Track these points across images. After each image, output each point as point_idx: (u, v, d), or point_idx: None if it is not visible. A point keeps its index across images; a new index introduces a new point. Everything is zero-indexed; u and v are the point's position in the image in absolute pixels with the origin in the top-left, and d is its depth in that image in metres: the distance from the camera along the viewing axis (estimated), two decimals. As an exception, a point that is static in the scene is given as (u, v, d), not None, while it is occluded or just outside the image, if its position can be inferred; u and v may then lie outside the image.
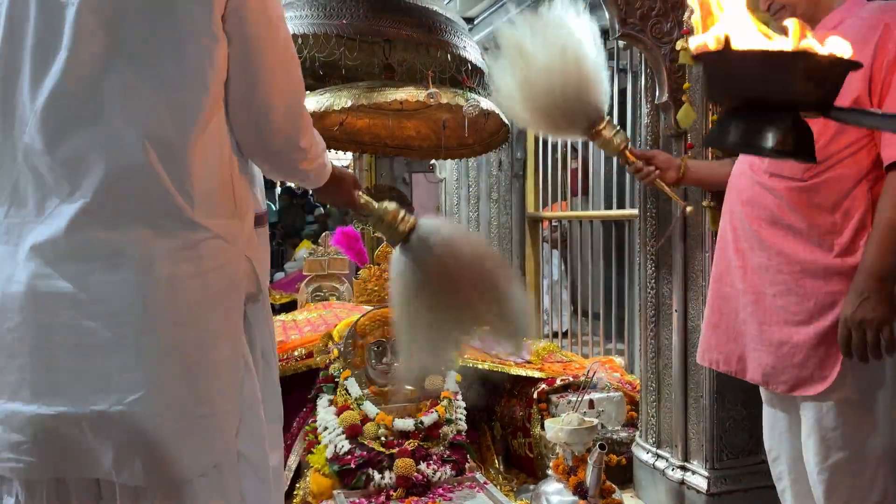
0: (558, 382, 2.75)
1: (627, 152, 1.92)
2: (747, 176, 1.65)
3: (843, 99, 1.46)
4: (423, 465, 2.35)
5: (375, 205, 1.57)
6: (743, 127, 0.79)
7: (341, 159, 7.16)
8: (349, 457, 2.34)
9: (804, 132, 0.78)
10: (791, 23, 0.78)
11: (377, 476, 2.31)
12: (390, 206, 1.57)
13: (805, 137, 0.78)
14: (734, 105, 0.81)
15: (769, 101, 0.77)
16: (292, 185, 8.04)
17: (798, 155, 0.79)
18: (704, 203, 2.17)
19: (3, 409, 1.14)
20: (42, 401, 1.12)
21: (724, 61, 0.80)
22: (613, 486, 2.14)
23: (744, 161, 1.69)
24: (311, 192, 1.64)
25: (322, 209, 8.21)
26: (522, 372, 2.83)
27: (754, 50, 0.77)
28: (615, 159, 3.55)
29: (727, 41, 0.78)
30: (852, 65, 0.76)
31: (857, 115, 0.84)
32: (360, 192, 1.58)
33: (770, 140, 0.77)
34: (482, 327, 1.60)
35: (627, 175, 3.45)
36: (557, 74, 1.82)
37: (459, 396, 2.60)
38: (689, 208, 2.09)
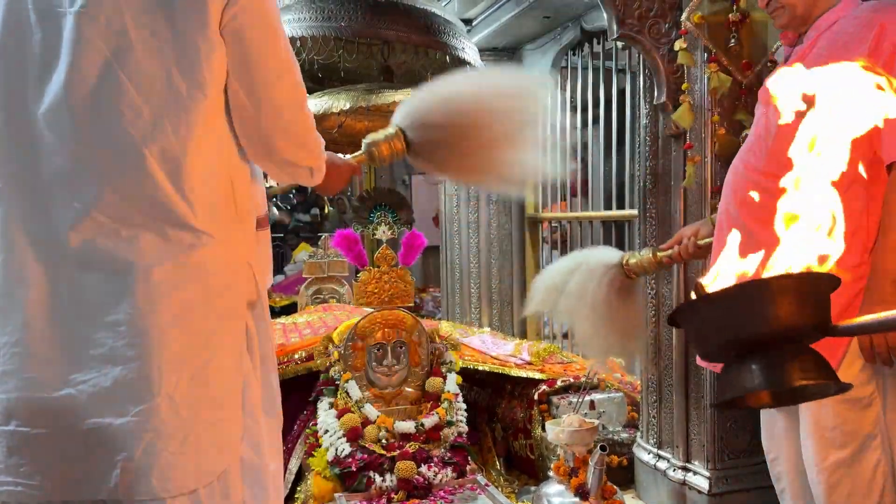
0: (559, 384, 2.75)
1: (661, 256, 1.91)
2: (742, 176, 1.64)
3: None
4: (424, 468, 2.35)
5: (362, 153, 1.68)
6: (760, 368, 0.73)
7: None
8: (350, 460, 2.34)
9: (818, 357, 0.74)
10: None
11: (378, 479, 2.31)
12: (371, 140, 1.67)
13: (822, 361, 0.74)
14: (732, 354, 0.76)
15: (765, 340, 0.72)
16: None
17: (827, 377, 0.74)
18: (713, 217, 2.17)
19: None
20: (42, 418, 1.11)
21: (698, 313, 0.76)
22: (615, 487, 2.13)
23: (740, 159, 1.69)
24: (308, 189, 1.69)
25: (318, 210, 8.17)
26: (523, 373, 2.83)
27: (723, 291, 0.73)
28: (614, 159, 3.57)
29: (699, 289, 0.75)
30: (831, 280, 0.72)
31: (863, 325, 0.80)
32: (345, 156, 1.65)
33: (795, 372, 0.72)
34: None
35: (627, 176, 3.45)
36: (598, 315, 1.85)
37: (460, 398, 2.60)
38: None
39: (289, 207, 7.45)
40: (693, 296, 0.77)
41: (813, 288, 0.72)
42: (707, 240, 1.89)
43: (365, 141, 1.69)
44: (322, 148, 1.39)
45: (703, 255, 1.94)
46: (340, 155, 1.64)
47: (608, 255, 1.89)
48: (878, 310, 1.39)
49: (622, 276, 1.84)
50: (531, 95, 1.76)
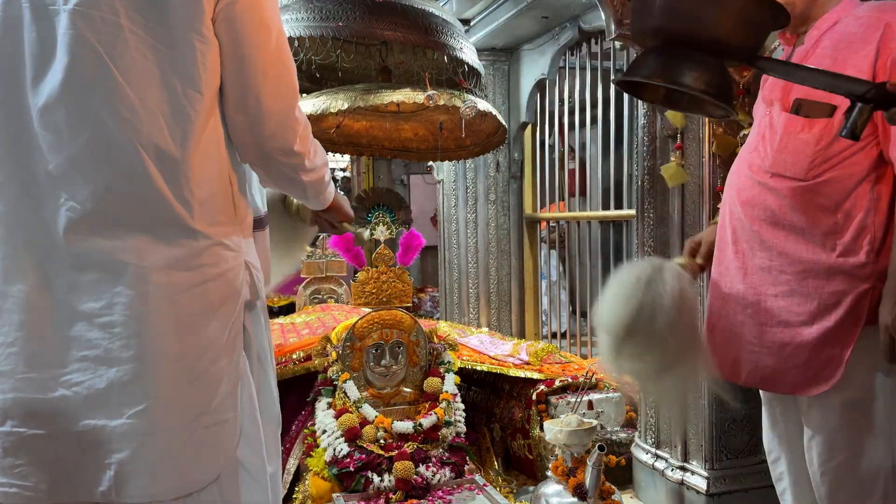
0: (557, 384, 2.75)
1: (694, 262, 1.79)
2: (746, 176, 1.64)
3: (846, 99, 1.45)
4: (422, 468, 2.35)
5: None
6: (663, 61, 0.74)
7: (339, 161, 7.16)
8: (348, 460, 2.33)
9: (725, 78, 0.74)
10: None
11: (376, 479, 2.31)
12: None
13: (725, 84, 0.75)
14: (657, 44, 0.77)
15: (694, 41, 0.72)
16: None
17: (717, 96, 0.75)
18: (719, 206, 2.17)
19: None
20: (37, 419, 1.10)
21: None
22: (613, 487, 2.13)
23: (743, 160, 1.69)
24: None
25: None
26: (521, 373, 2.83)
27: None
28: (612, 160, 3.57)
29: None
30: (779, 11, 0.72)
31: (786, 67, 0.80)
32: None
33: (689, 76, 0.73)
34: None
35: (625, 175, 3.45)
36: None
37: (458, 398, 2.60)
38: None
39: None
40: None
41: (761, 14, 0.73)
42: None
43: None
44: (320, 161, 1.37)
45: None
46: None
47: (661, 264, 1.68)
48: (893, 306, 1.39)
49: (689, 279, 1.68)
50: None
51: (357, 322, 2.57)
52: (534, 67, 3.88)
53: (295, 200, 1.78)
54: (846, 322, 1.47)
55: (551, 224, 4.37)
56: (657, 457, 2.47)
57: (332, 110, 2.40)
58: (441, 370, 2.63)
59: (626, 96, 3.28)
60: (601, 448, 2.03)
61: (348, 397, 2.48)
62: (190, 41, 1.13)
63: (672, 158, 2.23)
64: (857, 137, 0.97)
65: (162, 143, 1.13)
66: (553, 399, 2.70)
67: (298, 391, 2.63)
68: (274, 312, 4.57)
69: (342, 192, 1.62)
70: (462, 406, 2.60)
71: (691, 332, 1.64)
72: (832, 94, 1.44)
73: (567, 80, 3.79)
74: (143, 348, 1.11)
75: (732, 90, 0.73)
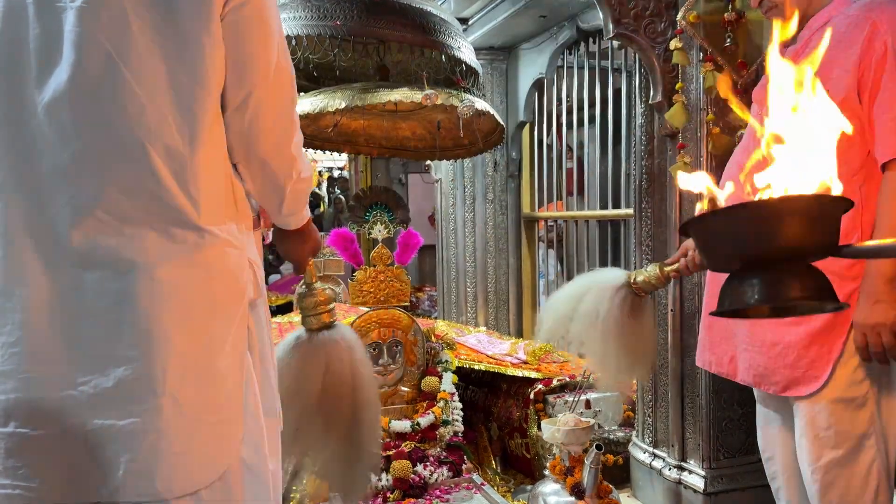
0: (555, 383, 2.75)
1: (667, 270, 1.86)
2: (736, 177, 1.64)
3: (833, 99, 1.45)
4: (419, 467, 2.35)
5: (316, 280, 1.61)
6: (762, 283, 0.75)
7: (337, 160, 7.16)
8: (346, 459, 2.33)
9: (820, 277, 0.75)
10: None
11: (374, 478, 2.31)
12: (326, 291, 1.61)
13: (824, 281, 0.75)
14: (737, 267, 0.78)
15: (775, 256, 0.74)
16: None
17: (825, 298, 0.76)
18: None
19: None
20: (41, 420, 1.09)
21: (708, 226, 0.78)
22: (610, 486, 2.13)
23: (734, 162, 1.69)
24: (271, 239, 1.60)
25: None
26: (519, 372, 2.84)
27: (734, 207, 0.74)
28: (610, 159, 3.57)
29: (711, 204, 0.76)
30: (843, 203, 0.73)
31: (874, 249, 0.81)
32: (311, 261, 1.61)
33: (794, 289, 0.73)
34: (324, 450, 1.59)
35: (622, 175, 3.45)
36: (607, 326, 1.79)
37: (456, 397, 2.60)
38: None
39: None
40: (705, 208, 0.78)
41: (823, 210, 0.74)
42: None
43: (322, 286, 1.64)
44: (307, 174, 1.35)
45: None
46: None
47: (614, 275, 1.85)
48: (874, 309, 1.40)
49: (632, 295, 1.81)
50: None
51: (355, 321, 2.57)
52: (532, 66, 3.88)
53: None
54: (834, 322, 1.48)
55: (549, 223, 4.37)
56: (655, 456, 2.47)
57: (330, 109, 2.40)
58: (439, 369, 2.63)
59: (623, 95, 3.28)
60: (599, 447, 2.03)
61: (346, 396, 2.48)
62: (198, 40, 1.13)
63: (678, 158, 2.23)
64: None
65: (170, 141, 1.12)
66: (551, 398, 2.70)
67: (296, 390, 2.63)
68: (272, 311, 4.56)
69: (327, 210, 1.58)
70: (460, 405, 2.60)
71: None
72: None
73: (565, 80, 3.79)
74: (150, 346, 1.10)
75: (829, 284, 0.75)
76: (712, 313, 0.80)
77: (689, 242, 1.89)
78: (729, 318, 1.65)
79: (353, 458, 1.59)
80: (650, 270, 1.82)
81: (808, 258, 0.75)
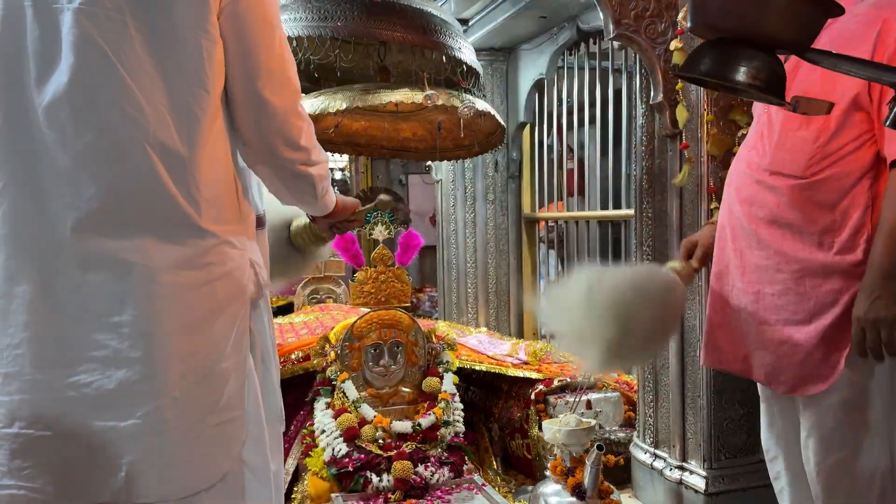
0: (556, 383, 2.75)
1: (690, 265, 1.84)
2: (745, 174, 1.64)
3: (843, 96, 1.45)
4: (420, 468, 2.35)
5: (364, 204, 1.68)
6: (716, 57, 0.78)
7: (338, 161, 7.16)
8: (347, 460, 2.34)
9: (777, 72, 0.77)
10: None
11: (375, 479, 2.31)
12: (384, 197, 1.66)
13: (778, 78, 0.77)
14: (713, 38, 0.80)
15: (746, 36, 0.75)
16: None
17: (768, 91, 0.77)
18: (712, 206, 2.18)
19: (1, 432, 1.11)
20: (45, 421, 1.09)
21: None
22: (611, 486, 2.13)
23: (741, 159, 1.69)
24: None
25: None
26: (520, 373, 2.84)
27: None
28: (610, 159, 3.57)
29: None
30: (833, 7, 0.74)
31: (833, 58, 0.83)
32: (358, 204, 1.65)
33: (741, 73, 0.76)
34: None
35: (623, 175, 3.45)
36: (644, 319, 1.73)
37: (457, 398, 2.60)
38: None
39: None
40: None
41: (811, 9, 0.75)
42: None
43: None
44: (324, 158, 1.37)
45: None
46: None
47: (655, 268, 1.82)
48: (874, 304, 1.40)
49: (679, 283, 1.79)
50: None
51: (356, 322, 2.57)
52: (532, 67, 3.88)
53: (299, 229, 1.75)
54: (843, 321, 1.47)
55: (550, 224, 4.37)
56: (656, 456, 2.47)
57: (331, 110, 2.40)
58: (440, 370, 2.63)
59: (624, 96, 3.28)
60: (600, 447, 2.03)
61: (347, 397, 2.48)
62: (196, 39, 1.13)
63: (683, 168, 2.24)
64: None
65: (169, 142, 1.12)
66: (551, 398, 2.70)
67: (297, 391, 2.63)
68: (272, 312, 4.56)
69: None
70: (461, 406, 2.60)
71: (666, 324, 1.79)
72: (830, 90, 1.45)
73: (565, 80, 3.79)
74: (152, 348, 1.10)
75: (784, 81, 0.77)
76: (673, 72, 0.82)
77: (702, 240, 1.88)
78: (736, 317, 1.65)
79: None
80: (682, 266, 1.81)
81: (776, 50, 0.76)
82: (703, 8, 0.81)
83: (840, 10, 0.76)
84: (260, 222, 1.39)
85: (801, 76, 1.52)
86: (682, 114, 2.20)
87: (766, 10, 0.74)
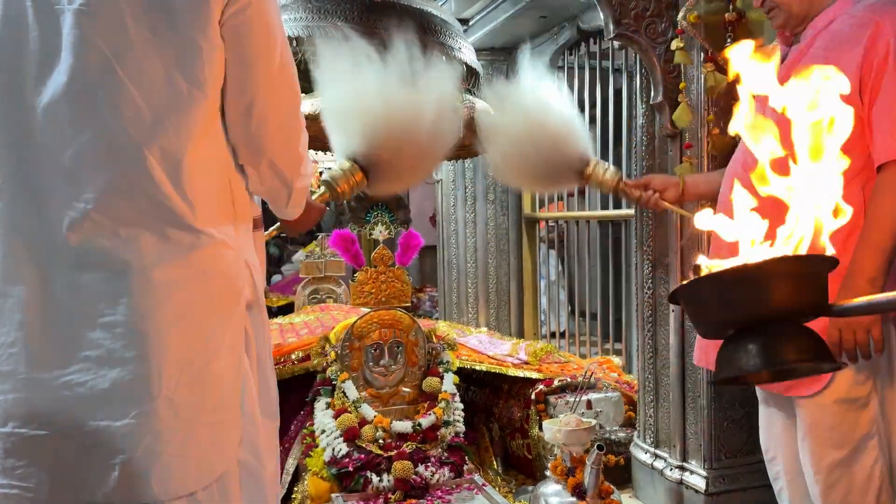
0: (556, 383, 2.75)
1: (622, 186, 1.91)
2: (740, 176, 1.64)
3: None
4: (421, 468, 2.35)
5: (328, 188, 1.69)
6: (757, 348, 0.73)
7: (337, 160, 7.15)
8: (347, 460, 2.33)
9: (814, 336, 0.74)
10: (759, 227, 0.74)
11: (375, 479, 2.31)
12: (334, 175, 1.69)
13: (819, 341, 0.74)
14: (730, 332, 0.77)
15: (765, 320, 0.73)
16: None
17: (823, 359, 0.74)
18: (681, 172, 2.17)
19: None
20: (39, 420, 1.09)
21: (697, 292, 0.76)
22: (612, 486, 2.13)
23: (737, 161, 1.69)
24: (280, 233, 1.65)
25: None
26: (520, 373, 2.83)
27: (720, 273, 0.73)
28: (611, 159, 3.57)
29: (696, 270, 0.76)
30: (829, 262, 0.72)
31: (858, 306, 0.79)
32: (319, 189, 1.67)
33: (790, 352, 0.72)
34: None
35: (623, 175, 3.45)
36: (529, 139, 1.85)
37: (457, 398, 2.60)
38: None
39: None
40: (692, 275, 0.77)
41: (809, 270, 0.73)
42: (668, 205, 1.90)
43: (323, 178, 1.70)
44: (309, 172, 1.38)
45: (659, 210, 1.98)
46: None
47: (575, 146, 1.90)
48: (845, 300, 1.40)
49: (571, 168, 1.88)
50: (445, 86, 1.80)
51: (356, 322, 2.57)
52: (532, 67, 3.87)
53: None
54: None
55: (550, 224, 4.37)
56: (656, 456, 2.47)
57: (331, 110, 2.39)
58: (440, 370, 2.63)
59: (624, 96, 3.28)
60: (600, 447, 2.03)
61: (347, 397, 2.48)
62: (195, 42, 1.13)
63: (684, 159, 2.23)
64: None
65: (165, 143, 1.13)
66: (552, 398, 2.70)
67: (297, 391, 2.63)
68: (273, 312, 4.57)
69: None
70: (461, 406, 2.60)
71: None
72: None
73: (566, 80, 3.79)
74: (146, 348, 1.11)
75: (825, 345, 0.74)
76: (713, 383, 0.79)
77: (655, 180, 1.95)
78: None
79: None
80: (609, 174, 1.86)
81: (800, 318, 0.74)
82: (705, 310, 0.77)
83: (835, 264, 0.73)
84: (257, 223, 1.39)
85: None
86: (684, 116, 2.20)
87: (769, 287, 0.71)
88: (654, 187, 1.91)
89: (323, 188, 1.70)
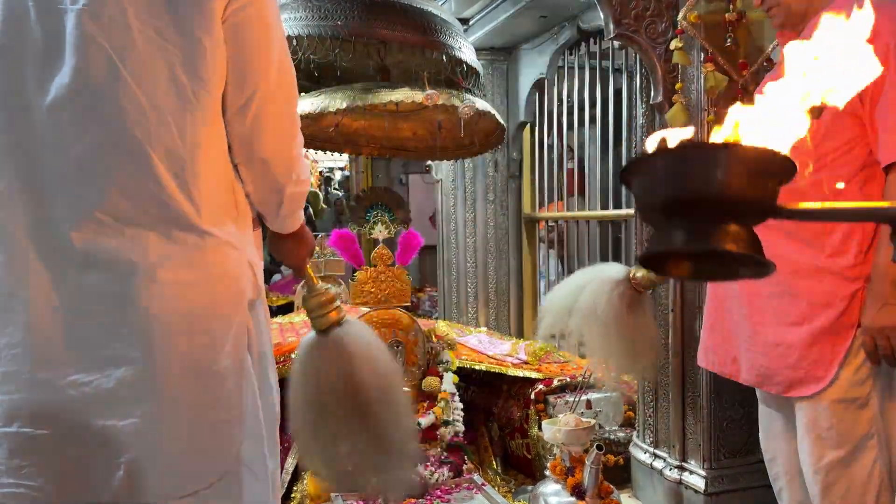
0: (555, 383, 2.75)
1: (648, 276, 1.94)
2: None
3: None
4: (420, 467, 2.35)
5: (317, 281, 1.56)
6: (691, 227, 0.73)
7: (338, 160, 7.15)
8: (346, 459, 2.33)
9: (752, 234, 0.74)
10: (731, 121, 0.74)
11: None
12: (329, 289, 1.54)
13: (756, 239, 0.74)
14: (670, 212, 0.76)
15: (709, 204, 0.72)
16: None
17: (755, 252, 0.74)
18: None
19: (0, 430, 1.11)
20: (44, 420, 1.10)
21: (651, 166, 0.75)
22: (611, 486, 2.13)
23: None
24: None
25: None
26: (520, 373, 2.83)
27: (681, 146, 0.72)
28: (611, 159, 3.57)
29: (660, 143, 0.75)
30: (787, 164, 0.72)
31: (813, 211, 0.80)
32: (309, 263, 1.56)
33: (725, 239, 0.72)
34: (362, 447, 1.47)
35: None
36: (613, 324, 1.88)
37: (457, 397, 2.60)
38: None
39: None
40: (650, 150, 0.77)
41: (771, 168, 0.72)
42: None
43: (326, 285, 1.58)
44: (305, 177, 1.35)
45: None
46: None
47: (614, 270, 1.89)
48: (882, 312, 1.40)
49: (631, 290, 1.84)
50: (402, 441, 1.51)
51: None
52: (532, 67, 3.88)
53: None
54: (836, 323, 1.48)
55: (550, 224, 4.37)
56: (655, 456, 2.47)
57: (331, 109, 2.40)
58: (439, 369, 2.63)
59: (624, 96, 3.28)
60: (599, 447, 2.03)
61: (347, 396, 2.48)
62: (199, 42, 1.13)
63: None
64: None
65: (170, 143, 1.13)
66: (551, 398, 2.70)
67: (297, 390, 2.63)
68: (272, 312, 4.56)
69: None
70: (460, 405, 2.60)
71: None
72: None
73: (566, 80, 3.79)
74: (151, 347, 1.11)
75: (757, 242, 0.74)
76: (640, 259, 0.78)
77: None
78: (729, 319, 1.66)
79: (384, 453, 1.48)
80: (641, 274, 1.84)
81: (746, 215, 0.74)
82: (653, 184, 0.77)
83: (792, 176, 0.74)
84: (257, 222, 1.39)
85: None
86: (680, 116, 2.20)
87: (724, 172, 0.71)
88: None
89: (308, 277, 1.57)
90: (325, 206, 7.69)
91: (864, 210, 0.83)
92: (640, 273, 1.87)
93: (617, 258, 3.69)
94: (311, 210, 7.57)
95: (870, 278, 1.45)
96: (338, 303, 1.54)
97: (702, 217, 0.72)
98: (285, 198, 1.33)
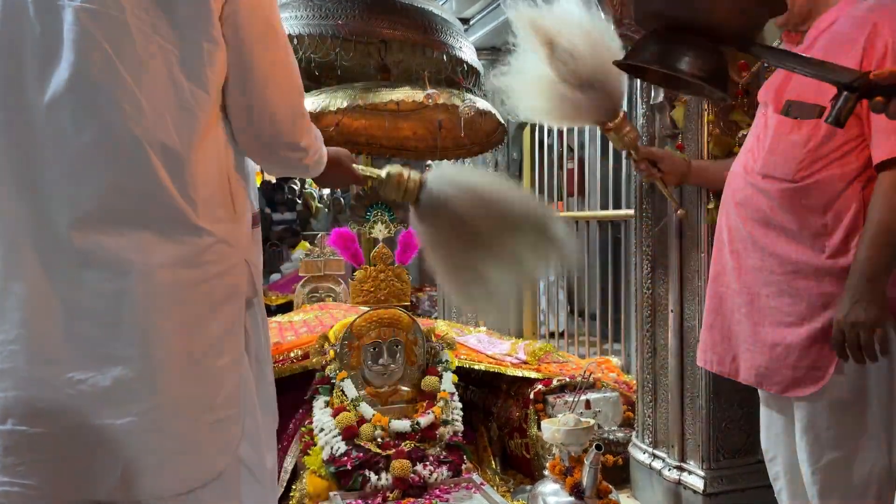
0: (555, 383, 2.75)
1: (637, 148, 1.98)
2: (741, 177, 1.65)
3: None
4: (419, 467, 2.35)
5: (379, 172, 1.63)
6: (662, 46, 0.77)
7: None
8: (345, 458, 2.33)
9: (721, 65, 0.77)
10: None
11: (374, 477, 2.31)
12: (394, 168, 1.62)
13: (721, 71, 0.77)
14: (657, 27, 0.79)
15: (691, 27, 0.75)
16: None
17: (712, 82, 0.77)
18: (710, 206, 2.18)
19: None
20: (39, 418, 1.09)
21: None
22: (610, 486, 2.13)
23: (739, 162, 1.70)
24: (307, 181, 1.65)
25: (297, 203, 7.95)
26: (519, 372, 2.83)
27: None
28: (611, 159, 3.57)
29: None
30: (778, 5, 0.74)
31: (776, 53, 0.82)
32: (359, 166, 1.62)
33: (686, 62, 0.75)
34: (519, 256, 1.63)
35: (623, 175, 3.45)
36: (583, 58, 1.82)
37: (456, 397, 2.60)
38: (681, 212, 2.17)
39: (269, 208, 7.36)
40: None
41: (757, 2, 0.75)
42: (663, 188, 2.06)
43: (387, 168, 1.64)
44: (319, 142, 1.38)
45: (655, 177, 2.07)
46: (356, 165, 1.62)
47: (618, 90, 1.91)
48: (854, 308, 1.40)
49: (604, 108, 1.90)
50: (543, 224, 1.65)
51: (355, 321, 2.57)
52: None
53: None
54: None
55: (550, 224, 4.37)
56: (654, 456, 2.47)
57: (332, 108, 2.40)
58: (439, 369, 2.63)
59: (624, 96, 3.28)
60: (598, 447, 2.03)
61: (346, 396, 2.48)
62: (197, 41, 1.13)
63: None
64: (842, 125, 1.02)
65: (167, 141, 1.13)
66: (551, 398, 2.70)
67: (296, 389, 2.63)
68: (272, 311, 4.57)
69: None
70: (459, 405, 2.60)
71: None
72: (821, 95, 1.45)
73: (566, 80, 3.79)
74: (148, 346, 1.11)
75: (728, 75, 0.77)
76: (616, 64, 0.78)
77: (666, 163, 2.05)
78: (729, 319, 1.66)
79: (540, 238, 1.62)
80: (633, 132, 1.95)
81: (721, 42, 0.75)
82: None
83: (782, 8, 0.76)
84: (255, 221, 1.40)
85: (797, 81, 1.52)
86: (678, 115, 2.20)
87: (714, 1, 0.74)
88: (661, 167, 2.05)
89: (380, 172, 1.65)
90: (319, 205, 7.68)
91: (815, 66, 0.87)
92: (627, 127, 1.98)
93: (616, 259, 3.69)
94: (311, 204, 7.57)
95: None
96: (409, 172, 1.63)
97: (677, 38, 0.76)
98: (310, 167, 1.38)
